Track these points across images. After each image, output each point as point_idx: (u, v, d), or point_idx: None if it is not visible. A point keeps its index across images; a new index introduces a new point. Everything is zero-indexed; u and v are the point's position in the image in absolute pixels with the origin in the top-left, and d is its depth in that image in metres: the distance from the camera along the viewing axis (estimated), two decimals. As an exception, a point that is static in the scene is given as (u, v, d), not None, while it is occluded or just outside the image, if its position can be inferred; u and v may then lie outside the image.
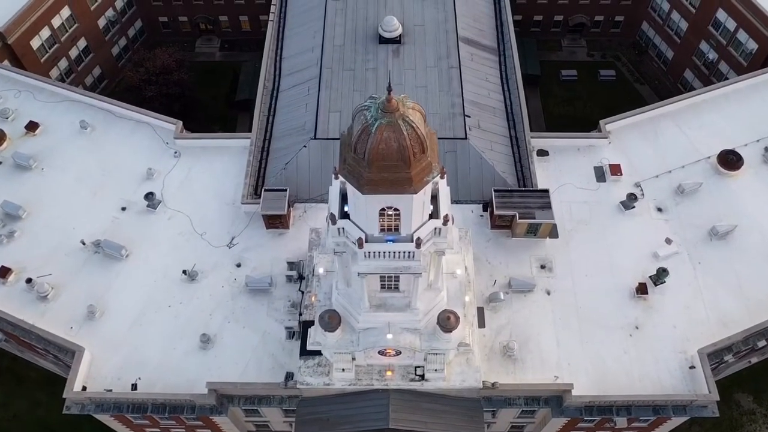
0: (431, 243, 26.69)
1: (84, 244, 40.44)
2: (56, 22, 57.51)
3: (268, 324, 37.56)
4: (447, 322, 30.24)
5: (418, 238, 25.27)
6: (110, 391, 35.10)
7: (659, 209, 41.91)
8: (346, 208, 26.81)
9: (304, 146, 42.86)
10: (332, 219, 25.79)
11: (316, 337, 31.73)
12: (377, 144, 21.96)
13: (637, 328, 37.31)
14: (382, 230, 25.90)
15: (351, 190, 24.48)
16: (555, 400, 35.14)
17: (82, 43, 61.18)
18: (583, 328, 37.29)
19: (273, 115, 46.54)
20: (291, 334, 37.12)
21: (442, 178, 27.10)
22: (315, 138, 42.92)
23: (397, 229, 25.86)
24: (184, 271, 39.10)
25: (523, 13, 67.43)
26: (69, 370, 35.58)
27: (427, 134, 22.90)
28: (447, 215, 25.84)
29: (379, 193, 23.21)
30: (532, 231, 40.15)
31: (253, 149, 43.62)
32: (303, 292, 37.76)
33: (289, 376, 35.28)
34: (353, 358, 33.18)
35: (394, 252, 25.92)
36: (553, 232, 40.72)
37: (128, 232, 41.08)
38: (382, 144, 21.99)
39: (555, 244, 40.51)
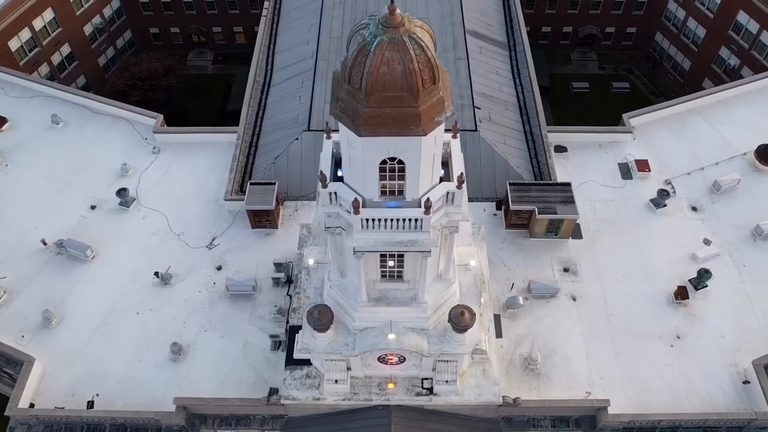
0: (443, 213, 22.03)
1: (45, 244, 35.76)
2: (38, 24, 54.15)
3: (250, 333, 32.49)
4: (460, 318, 25.18)
5: (428, 200, 20.59)
6: (62, 408, 29.71)
7: (694, 208, 37.35)
8: (339, 173, 22.39)
9: (297, 138, 38.62)
10: (322, 180, 21.17)
11: (304, 339, 26.69)
12: (377, 66, 17.54)
13: (678, 337, 32.18)
14: (384, 194, 21.28)
15: (345, 137, 19.98)
16: (588, 420, 29.70)
17: (65, 49, 57.70)
18: (617, 339, 32.16)
19: (263, 111, 42.53)
20: (276, 344, 32.03)
21: (454, 137, 22.89)
22: (308, 130, 38.75)
23: (401, 193, 21.23)
24: (156, 274, 34.23)
25: (531, 25, 64.05)
26: (20, 386, 30.35)
27: (437, 64, 18.56)
28: (462, 174, 21.24)
29: (379, 135, 18.65)
30: (553, 230, 35.46)
31: (240, 143, 39.39)
32: (291, 297, 32.83)
33: (273, 392, 29.97)
34: (348, 368, 28.04)
35: (398, 220, 21.22)
36: (576, 232, 36.09)
37: (96, 232, 36.45)
38: (383, 66, 17.58)
39: (579, 245, 35.81)
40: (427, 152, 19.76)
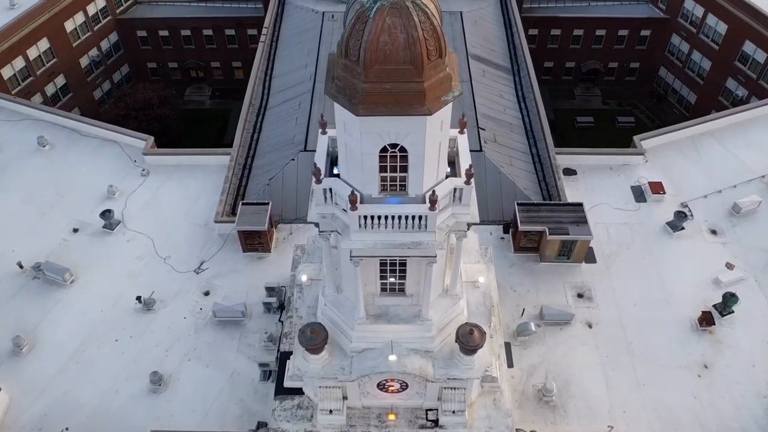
0: (449, 213, 19.88)
1: (21, 267, 33.48)
2: (32, 53, 53.25)
3: (238, 362, 29.83)
4: (469, 337, 22.60)
5: (433, 193, 18.47)
6: (26, 444, 26.85)
7: (713, 231, 35.19)
8: (336, 171, 20.38)
9: (293, 159, 36.86)
10: (316, 174, 19.10)
11: (295, 363, 24.07)
12: (377, 34, 15.70)
13: (706, 367, 29.47)
14: (384, 189, 19.17)
15: (342, 122, 17.99)
16: (611, 457, 26.74)
17: (60, 80, 56.68)
18: (639, 368, 29.45)
19: (258, 133, 40.92)
20: (266, 374, 29.31)
21: (461, 132, 20.99)
22: (305, 150, 37.03)
23: (403, 188, 19.12)
24: (138, 299, 31.77)
25: (533, 59, 63.32)
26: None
27: (443, 35, 16.79)
28: (470, 167, 19.19)
29: (379, 114, 16.67)
30: (565, 253, 33.19)
31: (234, 165, 37.55)
32: (283, 323, 30.24)
33: (261, 425, 27.11)
34: (344, 397, 25.26)
35: (400, 217, 19.00)
36: (589, 256, 33.83)
37: (77, 256, 34.22)
38: (383, 35, 15.74)
39: (593, 270, 33.49)
40: (432, 138, 17.73)
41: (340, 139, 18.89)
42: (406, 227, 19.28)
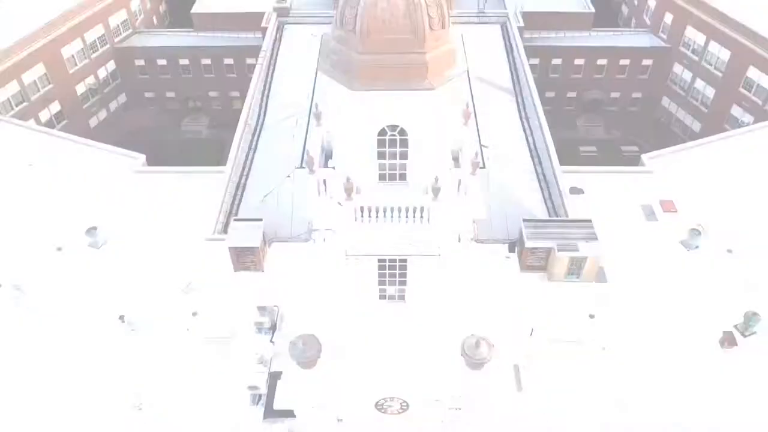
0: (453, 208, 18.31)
1: (0, 286, 31.63)
2: (27, 78, 52.53)
3: (226, 385, 27.68)
4: (475, 350, 20.82)
5: (436, 180, 16.93)
6: (-10, 475, 24.56)
7: (729, 250, 33.51)
8: (330, 164, 18.96)
9: (289, 176, 35.45)
10: (310, 163, 17.64)
11: (286, 380, 22.12)
12: (376, 1, 14.49)
13: (730, 389, 27.31)
14: (382, 179, 17.69)
15: (337, 104, 16.60)
16: (632, 488, 24.42)
17: (55, 106, 55.82)
18: (657, 392, 27.30)
19: (254, 152, 39.68)
20: (256, 398, 27.17)
21: (466, 124, 19.60)
22: (302, 167, 35.62)
23: (403, 178, 17.64)
24: (121, 318, 29.87)
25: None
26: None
27: (446, 2, 15.58)
28: (477, 154, 17.75)
29: (377, 88, 15.32)
30: (575, 271, 31.44)
31: (228, 182, 36.18)
32: (275, 343, 28.35)
33: (250, 453, 24.92)
34: (339, 419, 23.22)
35: (399, 209, 17.44)
36: (600, 276, 32.04)
37: (59, 274, 32.42)
38: (382, 0, 14.53)
39: (604, 290, 31.66)
40: (434, 119, 16.32)
41: (335, 123, 17.49)
42: (406, 220, 17.70)
